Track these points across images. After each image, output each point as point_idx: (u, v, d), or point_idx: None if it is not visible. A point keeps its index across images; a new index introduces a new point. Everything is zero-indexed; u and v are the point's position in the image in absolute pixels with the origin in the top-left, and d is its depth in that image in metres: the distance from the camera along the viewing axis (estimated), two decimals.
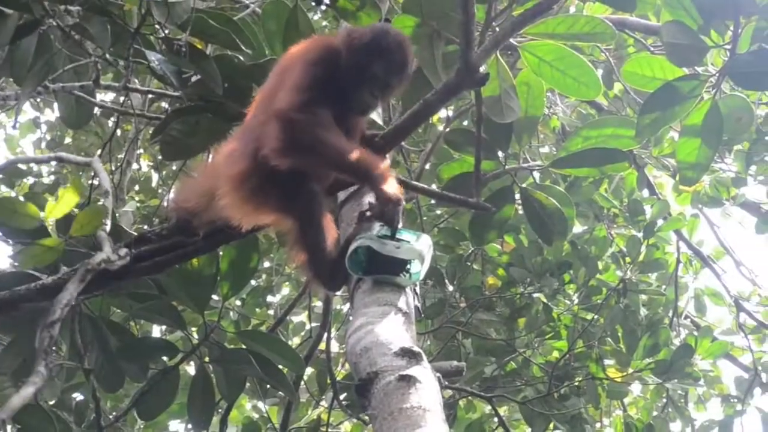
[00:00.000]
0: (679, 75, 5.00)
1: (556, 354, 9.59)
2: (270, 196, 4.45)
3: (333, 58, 4.50)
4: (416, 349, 3.75)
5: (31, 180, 12.72)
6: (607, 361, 9.49)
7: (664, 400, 10.06)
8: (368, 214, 4.51)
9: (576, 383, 9.15)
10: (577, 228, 9.67)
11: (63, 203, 4.95)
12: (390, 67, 4.49)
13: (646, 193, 10.13)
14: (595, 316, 9.19)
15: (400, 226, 4.33)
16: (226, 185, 4.46)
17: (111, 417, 7.31)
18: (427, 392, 3.52)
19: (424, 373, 3.63)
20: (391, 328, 3.98)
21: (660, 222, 9.30)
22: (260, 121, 4.45)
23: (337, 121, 4.35)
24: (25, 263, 5.15)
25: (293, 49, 4.76)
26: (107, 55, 5.59)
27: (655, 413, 10.29)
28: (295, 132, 4.19)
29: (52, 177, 12.98)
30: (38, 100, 12.14)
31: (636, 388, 10.59)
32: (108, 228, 4.90)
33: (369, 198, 4.96)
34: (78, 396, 7.30)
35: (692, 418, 10.66)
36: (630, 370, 9.26)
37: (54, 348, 5.69)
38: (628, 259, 9.47)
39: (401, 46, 4.56)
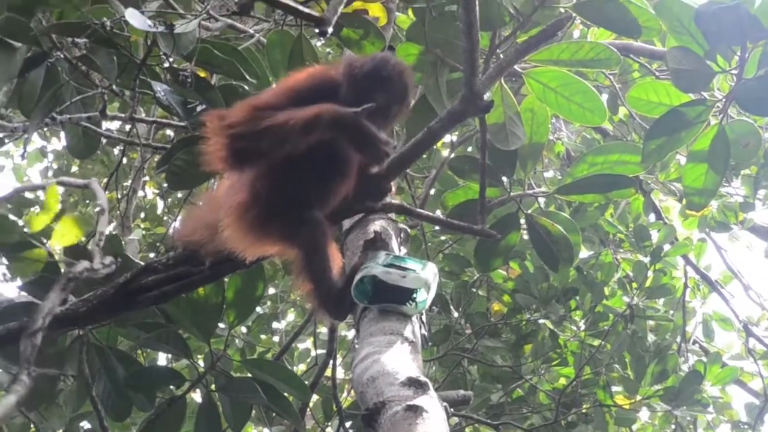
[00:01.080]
0: (686, 100, 5.01)
1: (563, 381, 9.57)
2: (272, 226, 4.44)
3: (329, 85, 4.47)
4: (423, 378, 3.74)
5: (38, 209, 12.73)
6: (614, 388, 9.46)
7: (673, 427, 10.00)
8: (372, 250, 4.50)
9: (583, 410, 9.13)
10: (583, 253, 9.64)
11: (44, 214, 4.94)
12: (391, 95, 4.44)
13: (652, 217, 10.12)
14: (602, 343, 9.16)
15: (403, 254, 4.32)
16: (228, 217, 4.45)
17: None
18: (434, 422, 3.51)
19: (431, 402, 3.62)
20: (397, 358, 3.97)
21: (667, 247, 9.28)
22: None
23: (337, 152, 4.34)
24: (13, 275, 5.16)
25: (291, 76, 4.75)
26: (114, 86, 5.61)
27: None
28: (234, 140, 4.18)
29: (59, 206, 12.97)
30: (45, 130, 12.18)
31: (644, 414, 10.55)
32: (101, 243, 4.90)
33: (374, 226, 4.96)
34: (86, 425, 7.30)
35: None
36: (638, 397, 9.23)
37: (61, 376, 5.73)
38: (634, 285, 9.45)
39: (402, 75, 4.52)
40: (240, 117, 4.20)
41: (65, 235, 4.66)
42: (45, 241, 4.94)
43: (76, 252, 5.12)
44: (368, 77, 4.43)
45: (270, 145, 4.22)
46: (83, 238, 5.36)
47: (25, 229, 4.76)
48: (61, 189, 11.15)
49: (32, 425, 6.58)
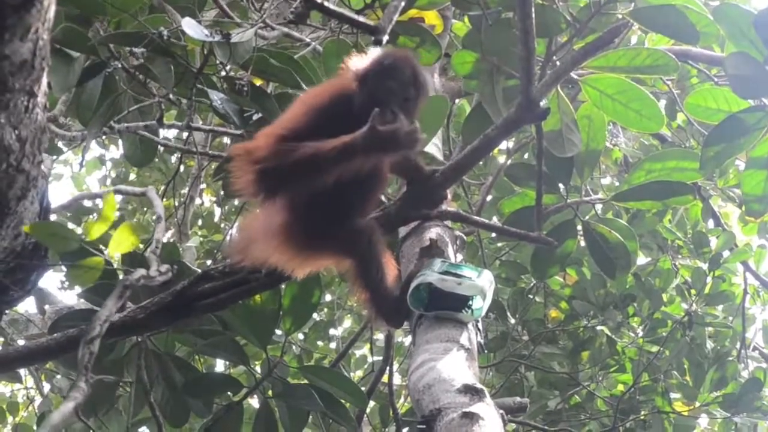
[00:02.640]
0: (744, 107, 4.96)
1: (621, 387, 9.53)
2: (320, 242, 4.43)
3: (344, 98, 4.43)
4: (479, 386, 3.74)
5: (96, 217, 12.85)
6: (673, 395, 9.41)
7: None
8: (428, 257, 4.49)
9: (642, 417, 9.08)
10: (641, 260, 9.60)
11: (101, 222, 4.97)
12: (401, 81, 4.37)
13: (711, 224, 10.03)
14: (661, 349, 9.11)
15: (459, 261, 4.31)
16: (272, 241, 4.45)
17: None
18: (490, 429, 3.50)
19: (487, 410, 3.62)
20: (453, 365, 3.97)
21: (726, 253, 9.19)
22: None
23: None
24: (70, 284, 5.20)
25: (306, 92, 4.72)
26: (171, 95, 5.66)
27: None
28: (259, 172, 4.11)
29: (117, 214, 13.10)
30: (103, 138, 12.30)
31: (703, 421, 10.47)
32: (158, 251, 4.93)
33: (430, 234, 4.96)
34: (144, 431, 7.35)
35: None
36: (697, 404, 9.17)
37: (120, 383, 5.78)
38: (693, 291, 9.39)
39: (407, 60, 4.44)
40: (266, 151, 4.16)
41: (122, 243, 4.70)
42: (103, 249, 4.98)
43: (133, 260, 5.16)
44: (374, 70, 4.40)
45: (300, 178, 4.19)
46: (141, 246, 5.39)
47: (83, 237, 4.79)
48: (119, 197, 11.26)
49: (91, 431, 6.63)
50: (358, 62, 4.50)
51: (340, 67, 4.79)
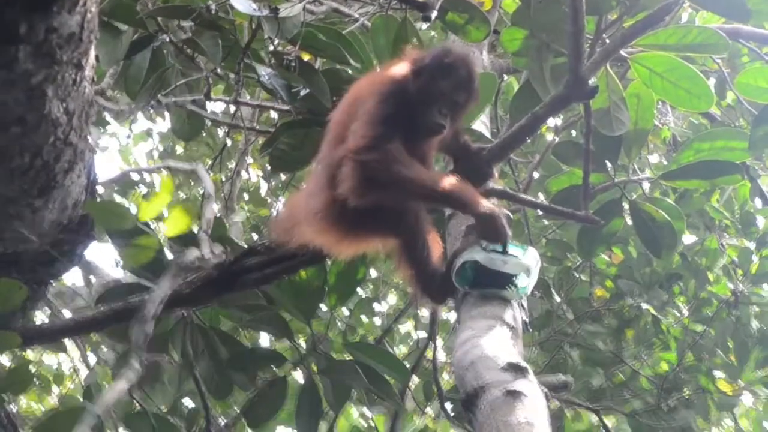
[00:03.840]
0: None
1: (665, 366, 9.49)
2: (366, 222, 4.44)
3: (402, 87, 4.45)
4: (523, 363, 3.73)
5: (143, 189, 12.93)
6: (717, 374, 9.36)
7: None
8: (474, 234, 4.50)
9: (685, 395, 9.05)
10: (688, 239, 9.55)
11: (156, 203, 5.01)
12: (456, 83, 4.40)
13: (758, 203, 9.95)
14: (706, 329, 9.07)
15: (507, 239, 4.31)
16: (315, 220, 4.47)
17: (221, 424, 7.39)
18: (533, 407, 3.49)
19: (531, 387, 3.61)
20: (497, 342, 3.96)
21: None
22: (334, 156, 4.38)
23: (410, 149, 4.33)
24: (124, 263, 5.24)
25: (363, 80, 4.73)
26: (218, 70, 5.67)
27: (766, 424, 10.11)
28: (368, 171, 4.14)
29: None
30: (151, 111, 12.35)
31: (747, 400, 10.42)
32: (209, 231, 4.96)
33: None
34: (189, 403, 7.40)
35: None
36: (741, 383, 9.13)
37: (166, 356, 5.83)
38: (740, 271, 9.33)
39: (465, 62, 4.48)
40: (375, 156, 4.17)
41: (177, 224, 4.74)
42: (152, 224, 5.02)
43: (182, 236, 5.20)
44: (431, 68, 4.41)
45: (400, 196, 4.28)
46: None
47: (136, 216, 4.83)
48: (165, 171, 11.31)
49: (136, 403, 6.69)
50: (417, 53, 4.54)
51: (398, 49, 4.81)
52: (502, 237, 4.23)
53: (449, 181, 4.23)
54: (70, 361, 11.81)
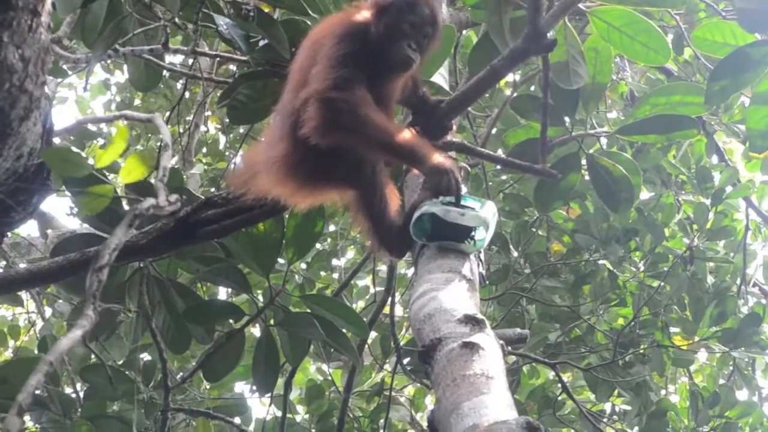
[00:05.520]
0: (751, 41, 4.92)
1: (621, 321, 9.57)
2: (324, 173, 4.44)
3: (363, 28, 4.44)
4: (480, 316, 3.74)
5: (100, 141, 12.85)
6: (672, 329, 9.46)
7: (731, 369, 9.99)
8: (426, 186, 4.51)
9: (641, 351, 9.13)
10: (644, 195, 9.60)
11: (111, 150, 4.96)
12: (422, 17, 4.42)
13: (715, 159, 10.02)
14: (662, 284, 9.14)
15: (463, 192, 4.32)
16: (272, 170, 4.46)
17: (177, 378, 7.39)
18: (490, 359, 3.51)
19: (488, 340, 3.63)
20: (454, 295, 3.98)
21: (729, 189, 9.19)
22: (296, 100, 4.37)
23: (374, 90, 4.33)
24: (79, 211, 5.21)
25: (321, 26, 4.72)
26: (176, 19, 5.62)
27: (721, 381, 10.22)
28: (333, 111, 4.13)
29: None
30: (108, 62, 12.25)
31: (702, 356, 10.53)
32: (165, 179, 4.93)
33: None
34: (145, 356, 7.40)
35: (759, 386, 10.57)
36: (696, 338, 9.23)
37: (122, 309, 5.81)
38: (695, 227, 9.41)
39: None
40: (340, 96, 4.17)
41: (132, 172, 4.70)
42: (109, 175, 4.99)
43: (139, 187, 5.16)
44: (395, 6, 4.41)
45: (362, 142, 4.25)
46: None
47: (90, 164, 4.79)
48: (122, 122, 11.25)
49: (92, 356, 6.67)
50: None
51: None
52: (453, 191, 4.21)
53: (406, 135, 4.23)
54: (26, 314, 11.78)
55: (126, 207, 5.33)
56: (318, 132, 4.17)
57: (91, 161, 5.19)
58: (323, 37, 4.48)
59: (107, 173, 5.30)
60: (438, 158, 4.19)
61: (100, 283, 3.02)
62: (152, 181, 5.04)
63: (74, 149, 10.69)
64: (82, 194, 4.81)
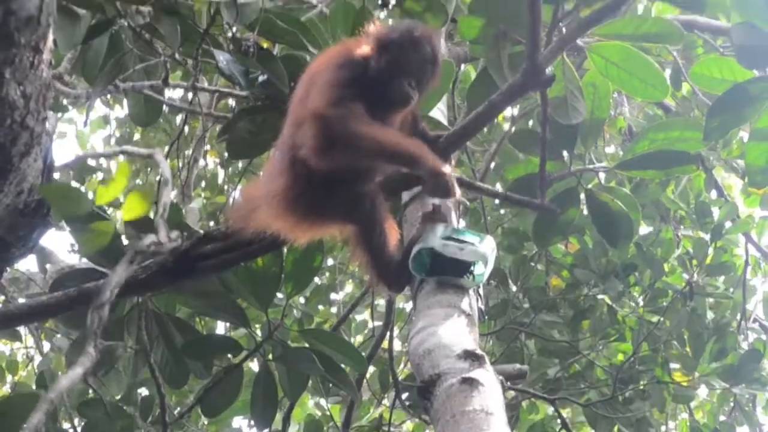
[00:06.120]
0: (749, 77, 4.94)
1: (620, 357, 9.56)
2: (324, 207, 4.45)
3: (361, 61, 4.46)
4: (479, 351, 3.75)
5: (100, 176, 12.86)
6: (672, 365, 9.43)
7: (732, 405, 9.96)
8: (425, 197, 4.52)
9: (641, 387, 9.11)
10: (643, 229, 9.61)
11: (113, 188, 4.97)
12: (423, 57, 4.45)
13: (714, 194, 10.03)
14: (661, 319, 9.13)
15: (461, 227, 4.32)
16: (272, 205, 4.47)
17: (176, 413, 7.37)
18: (489, 395, 3.52)
19: (487, 376, 3.63)
20: (453, 331, 3.98)
21: (728, 224, 9.20)
22: (294, 130, 4.40)
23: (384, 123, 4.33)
24: (80, 249, 5.21)
25: (320, 57, 4.75)
26: (177, 55, 5.65)
27: (722, 418, 10.20)
28: (330, 128, 4.13)
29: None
30: (108, 97, 12.28)
31: (702, 391, 10.49)
32: (166, 215, 4.94)
33: (433, 199, 4.95)
34: (143, 391, 7.38)
35: (760, 422, 10.53)
36: (696, 374, 9.20)
37: (120, 343, 5.80)
38: (695, 262, 9.40)
39: (431, 38, 4.52)
40: (335, 114, 4.19)
41: (133, 209, 4.71)
42: (107, 210, 5.00)
43: (138, 222, 5.17)
44: (398, 42, 4.43)
45: (361, 155, 4.24)
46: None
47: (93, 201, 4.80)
48: (122, 157, 11.25)
49: (91, 391, 6.66)
50: (381, 29, 4.55)
51: (357, 31, 4.82)
52: (449, 193, 4.20)
53: (404, 140, 4.24)
54: (24, 349, 11.76)
55: (125, 241, 5.33)
56: (316, 152, 4.18)
57: (90, 194, 5.20)
58: (321, 67, 4.50)
59: (105, 206, 5.31)
60: (436, 162, 4.19)
61: (101, 321, 3.02)
62: (152, 216, 5.05)
63: (75, 184, 10.70)
64: (83, 231, 4.81)
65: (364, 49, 4.51)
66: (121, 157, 11.28)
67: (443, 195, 4.23)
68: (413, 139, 4.32)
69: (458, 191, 4.27)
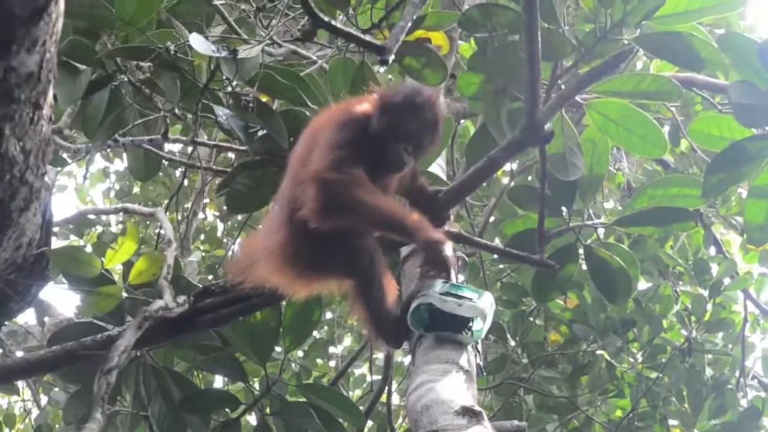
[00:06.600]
0: (748, 135, 4.95)
1: (619, 413, 9.52)
2: (322, 262, 4.47)
3: (363, 120, 4.50)
4: (477, 408, 3.73)
5: (99, 229, 12.87)
6: (671, 422, 9.40)
7: None
8: (420, 266, 4.52)
9: None
10: (642, 285, 9.59)
11: (122, 251, 4.99)
12: (423, 124, 4.47)
13: (712, 251, 10.02)
14: (660, 375, 9.10)
15: (460, 282, 4.32)
16: (270, 260, 4.49)
17: None
18: None
19: None
20: (452, 387, 3.97)
21: (727, 281, 9.20)
22: (294, 186, 4.43)
23: (372, 178, 4.34)
24: (86, 311, 5.22)
25: (322, 114, 4.78)
26: (176, 110, 5.67)
27: None
28: (330, 192, 4.16)
29: (120, 226, 13.16)
30: (108, 151, 12.32)
31: None
32: (170, 276, 4.94)
33: None
34: None
35: None
36: (695, 431, 9.15)
37: (118, 397, 5.78)
38: (693, 318, 9.38)
39: (433, 105, 4.53)
40: (336, 178, 4.22)
41: (142, 273, 4.73)
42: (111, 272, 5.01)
43: (143, 283, 5.18)
44: (400, 106, 4.45)
45: (358, 220, 4.29)
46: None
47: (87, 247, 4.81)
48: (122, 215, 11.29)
49: None
50: (386, 89, 4.57)
51: (355, 91, 4.85)
52: (444, 266, 4.23)
53: (401, 211, 4.27)
54: (22, 402, 11.71)
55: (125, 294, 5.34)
56: (315, 214, 4.20)
57: (89, 249, 5.21)
58: (324, 125, 4.53)
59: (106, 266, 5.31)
60: (432, 234, 4.23)
61: (108, 386, 3.03)
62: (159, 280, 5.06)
63: (73, 237, 10.70)
64: (90, 294, 4.83)
65: (366, 107, 4.53)
66: (121, 215, 11.32)
67: (437, 268, 4.27)
68: (411, 210, 4.34)
69: (453, 263, 4.30)
